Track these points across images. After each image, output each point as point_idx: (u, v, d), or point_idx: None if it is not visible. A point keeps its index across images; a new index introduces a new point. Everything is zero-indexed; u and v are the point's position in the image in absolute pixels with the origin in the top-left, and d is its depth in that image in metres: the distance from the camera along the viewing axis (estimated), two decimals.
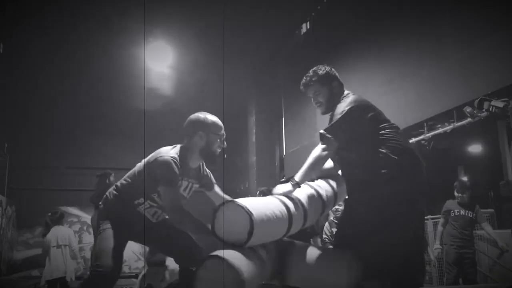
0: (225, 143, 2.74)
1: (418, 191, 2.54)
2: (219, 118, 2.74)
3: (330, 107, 2.71)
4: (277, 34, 9.00)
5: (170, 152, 2.62)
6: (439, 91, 5.49)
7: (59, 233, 5.82)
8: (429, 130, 5.84)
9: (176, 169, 2.56)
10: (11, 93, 9.80)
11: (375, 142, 2.53)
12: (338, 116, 2.53)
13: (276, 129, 10.65)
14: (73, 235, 6.07)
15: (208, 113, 2.72)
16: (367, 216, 2.47)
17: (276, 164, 10.67)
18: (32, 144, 11.28)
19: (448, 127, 5.55)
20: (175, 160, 2.59)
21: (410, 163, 2.53)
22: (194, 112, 2.73)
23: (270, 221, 2.22)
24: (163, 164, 2.56)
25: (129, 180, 2.71)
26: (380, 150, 2.49)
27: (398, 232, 2.44)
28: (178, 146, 2.71)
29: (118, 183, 2.76)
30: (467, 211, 5.13)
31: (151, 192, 2.63)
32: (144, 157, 2.72)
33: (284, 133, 10.16)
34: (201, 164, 2.83)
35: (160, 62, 9.43)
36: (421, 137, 5.91)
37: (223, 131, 2.72)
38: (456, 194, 5.18)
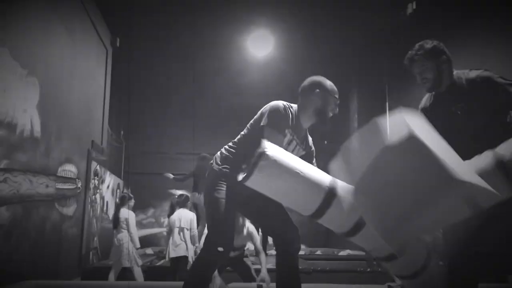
0: (337, 109, 2.75)
1: None
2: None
3: (437, 84, 2.53)
4: (380, 16, 8.63)
5: (284, 102, 2.67)
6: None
7: (183, 216, 6.12)
8: None
9: (284, 113, 2.59)
10: (128, 84, 10.50)
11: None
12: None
13: (379, 113, 10.27)
14: (195, 220, 6.25)
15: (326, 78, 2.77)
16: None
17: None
18: (145, 131, 12.06)
19: None
20: (286, 106, 2.64)
21: None
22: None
23: None
24: (273, 108, 2.61)
25: (240, 139, 2.74)
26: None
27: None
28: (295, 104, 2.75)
29: (224, 150, 2.77)
30: None
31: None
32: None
33: (389, 119, 9.78)
34: (307, 131, 2.85)
35: (261, 51, 9.54)
36: None
37: (338, 96, 2.74)
38: None
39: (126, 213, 6.38)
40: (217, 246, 2.58)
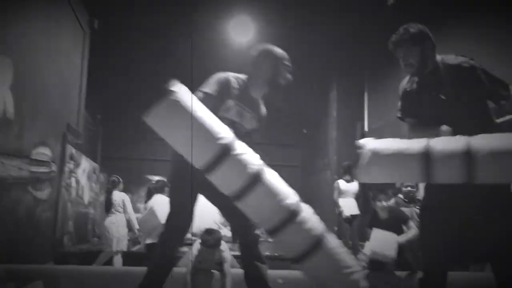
0: (290, 76, 2.66)
1: None
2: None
3: (421, 69, 2.49)
4: (361, 8, 8.63)
5: (230, 73, 2.63)
6: None
7: (159, 202, 6.09)
8: None
9: (224, 84, 2.55)
10: (105, 67, 10.33)
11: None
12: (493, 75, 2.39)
13: (358, 103, 10.36)
14: None
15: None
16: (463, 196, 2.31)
17: (358, 140, 10.42)
18: (122, 116, 11.91)
19: None
20: (230, 77, 2.58)
21: None
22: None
23: None
24: (214, 76, 2.60)
25: None
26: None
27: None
28: (244, 75, 2.69)
29: None
30: None
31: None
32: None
33: (367, 108, 9.87)
34: (260, 102, 2.78)
35: (240, 37, 9.46)
36: None
37: (290, 65, 2.65)
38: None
39: (122, 196, 6.40)
40: (173, 228, 2.59)
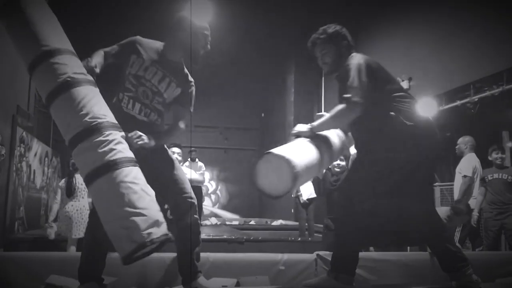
0: (209, 45, 2.63)
1: (421, 162, 2.42)
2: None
3: (335, 68, 2.62)
4: None
5: (144, 39, 2.62)
6: (489, 52, 5.21)
7: None
8: (476, 92, 5.60)
9: (124, 41, 2.55)
10: None
11: (386, 103, 2.44)
12: (354, 77, 2.41)
13: (315, 88, 10.46)
14: None
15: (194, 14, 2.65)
16: (370, 181, 2.44)
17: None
18: None
19: (496, 90, 5.30)
20: (135, 37, 2.58)
21: (423, 132, 2.43)
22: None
23: (308, 167, 2.29)
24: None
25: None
26: (391, 113, 2.41)
27: (402, 199, 2.42)
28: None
29: None
30: (501, 174, 4.95)
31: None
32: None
33: (324, 93, 9.99)
34: (183, 62, 2.71)
35: (199, 18, 9.34)
36: (467, 100, 5.68)
37: (209, 32, 2.62)
38: (494, 155, 4.98)
39: None
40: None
